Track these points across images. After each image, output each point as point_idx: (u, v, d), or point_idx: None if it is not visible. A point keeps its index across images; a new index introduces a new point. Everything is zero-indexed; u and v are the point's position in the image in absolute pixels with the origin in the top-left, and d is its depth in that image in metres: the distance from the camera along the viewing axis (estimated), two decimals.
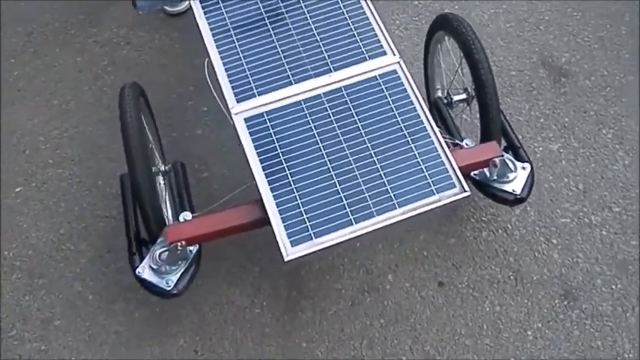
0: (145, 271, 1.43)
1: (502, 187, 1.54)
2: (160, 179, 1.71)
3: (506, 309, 1.66)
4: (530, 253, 1.76)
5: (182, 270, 1.42)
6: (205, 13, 1.64)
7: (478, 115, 1.62)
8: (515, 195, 1.54)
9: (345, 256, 1.77)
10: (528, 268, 1.73)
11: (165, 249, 1.42)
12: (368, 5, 1.63)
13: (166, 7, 2.36)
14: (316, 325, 1.65)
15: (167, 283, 1.41)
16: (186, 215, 1.47)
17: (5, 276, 1.76)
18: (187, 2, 2.33)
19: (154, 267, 1.42)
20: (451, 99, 1.77)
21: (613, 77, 2.17)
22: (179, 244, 1.39)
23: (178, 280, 1.41)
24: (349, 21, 1.61)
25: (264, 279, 1.73)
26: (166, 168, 1.71)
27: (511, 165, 1.56)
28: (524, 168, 1.57)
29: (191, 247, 1.45)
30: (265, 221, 1.39)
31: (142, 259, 1.45)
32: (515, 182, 1.55)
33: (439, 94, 1.91)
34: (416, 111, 1.49)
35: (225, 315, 1.66)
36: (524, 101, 2.11)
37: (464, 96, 1.74)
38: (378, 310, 1.67)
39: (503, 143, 1.65)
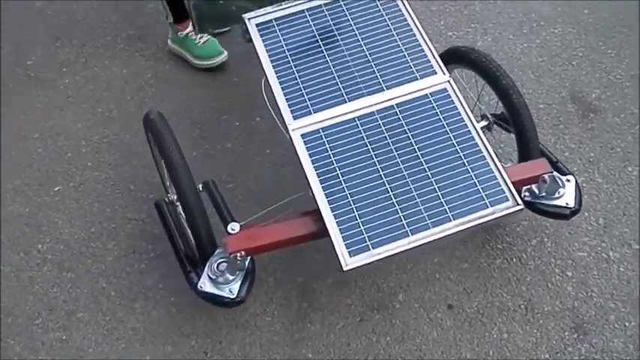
0: (205, 284, 1.46)
1: (555, 203, 1.58)
2: None
3: (514, 337, 1.66)
4: (543, 284, 1.76)
5: (240, 280, 1.47)
6: (262, 36, 1.70)
7: (514, 139, 1.67)
8: (570, 208, 1.57)
9: (358, 274, 1.81)
10: (540, 298, 1.73)
11: (223, 260, 1.47)
12: (417, 26, 1.69)
13: (198, 62, 2.39)
14: (324, 337, 1.68)
15: (231, 292, 1.45)
16: (234, 226, 1.50)
17: (37, 267, 1.86)
18: (223, 55, 2.36)
19: (214, 278, 1.46)
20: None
21: None
22: (239, 254, 1.43)
23: (240, 287, 1.46)
24: (399, 42, 1.67)
25: (278, 289, 1.78)
26: (199, 187, 1.72)
27: (559, 181, 1.59)
28: (569, 180, 1.61)
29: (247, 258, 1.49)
30: (323, 233, 1.42)
31: (198, 276, 1.49)
32: (567, 196, 1.58)
33: None
34: (467, 127, 1.54)
35: (237, 320, 1.72)
36: (551, 134, 2.12)
37: (484, 123, 1.77)
38: (386, 328, 1.69)
39: None
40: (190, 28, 2.36)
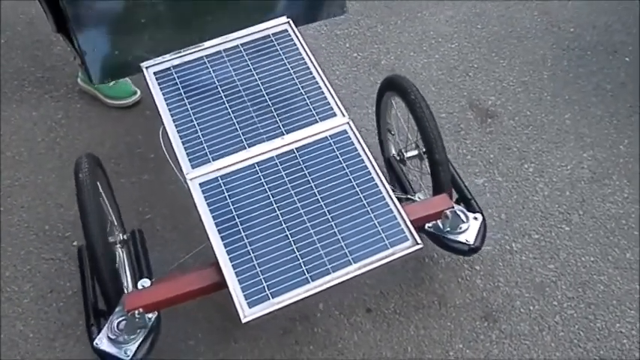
0: (102, 342, 1.42)
1: (456, 238, 1.61)
2: (120, 249, 1.74)
3: (430, 332, 1.77)
4: (454, 279, 1.88)
5: (141, 339, 1.42)
6: (160, 84, 1.71)
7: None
8: (469, 245, 1.60)
9: None
10: (452, 293, 1.85)
11: (123, 318, 1.43)
12: (316, 68, 1.73)
13: (106, 100, 2.43)
14: (248, 352, 1.74)
15: (126, 353, 1.40)
16: (145, 282, 1.50)
17: None
18: (136, 96, 2.42)
19: (112, 337, 1.42)
20: (404, 156, 1.87)
21: (535, 117, 2.36)
22: (137, 311, 1.41)
23: (137, 349, 1.41)
24: (299, 85, 1.70)
25: (200, 311, 1.82)
26: (125, 237, 1.75)
27: (462, 216, 1.62)
28: (475, 218, 1.64)
29: (149, 315, 1.46)
30: (222, 284, 1.43)
31: (99, 330, 1.46)
32: (468, 232, 1.61)
33: (392, 151, 2.02)
34: (367, 168, 1.57)
35: (161, 347, 1.73)
36: (453, 140, 2.29)
37: (416, 152, 1.83)
38: (308, 337, 1.76)
39: (455, 196, 1.73)
40: None
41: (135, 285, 1.53)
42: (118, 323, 1.43)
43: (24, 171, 2.25)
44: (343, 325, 1.79)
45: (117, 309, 1.45)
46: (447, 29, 2.76)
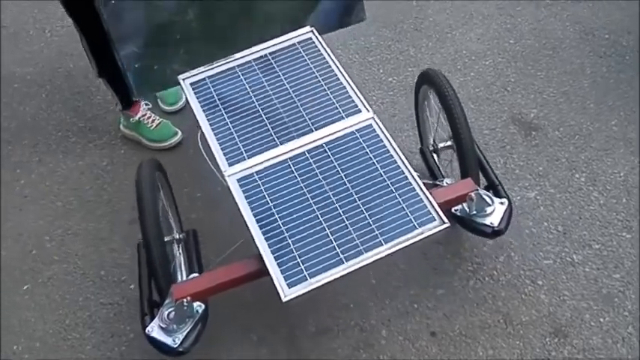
0: (154, 329, 1.55)
1: (481, 221, 1.68)
2: (176, 247, 1.90)
3: (499, 352, 1.74)
4: (517, 296, 1.86)
5: (189, 328, 1.54)
6: (196, 94, 1.87)
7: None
8: (493, 227, 1.67)
9: (340, 317, 1.88)
10: (517, 310, 1.82)
11: (172, 308, 1.55)
12: (339, 70, 1.85)
13: (162, 105, 2.62)
14: None
15: (174, 341, 1.52)
16: (194, 276, 1.64)
17: None
18: (183, 100, 2.56)
19: (163, 326, 1.54)
20: (437, 146, 2.02)
21: (580, 126, 2.35)
22: (184, 300, 1.53)
23: (185, 337, 1.53)
24: (324, 86, 1.84)
25: (262, 346, 1.83)
26: (181, 236, 1.89)
27: (488, 199, 1.69)
28: (502, 203, 1.71)
29: (198, 307, 1.59)
30: (262, 272, 1.55)
31: (152, 320, 1.58)
32: (493, 216, 1.68)
33: (430, 140, 2.13)
34: (392, 158, 1.68)
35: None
36: (499, 156, 2.28)
37: (448, 143, 1.94)
38: None
39: (484, 183, 1.81)
40: (141, 112, 2.48)
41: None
42: (169, 313, 1.55)
43: (75, 219, 2.30)
44: (409, 351, 1.77)
45: (167, 300, 1.57)
46: (479, 47, 2.78)
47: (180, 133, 2.50)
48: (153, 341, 1.54)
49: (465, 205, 1.69)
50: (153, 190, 1.70)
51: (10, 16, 3.22)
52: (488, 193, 1.72)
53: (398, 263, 1.99)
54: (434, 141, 2.05)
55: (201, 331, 1.57)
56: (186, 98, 1.89)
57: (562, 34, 2.77)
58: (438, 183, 1.82)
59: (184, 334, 1.53)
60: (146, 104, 2.51)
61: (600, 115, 2.37)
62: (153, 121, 2.49)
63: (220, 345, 1.85)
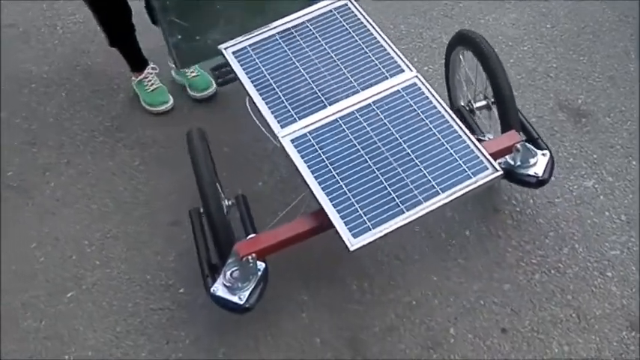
0: (218, 289, 1.59)
1: (525, 172, 1.75)
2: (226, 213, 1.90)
3: (575, 348, 1.70)
4: (587, 289, 1.82)
5: (252, 286, 1.59)
6: (240, 62, 1.94)
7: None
8: (537, 177, 1.74)
9: (404, 316, 1.83)
10: (588, 304, 1.78)
11: (236, 267, 1.59)
12: (378, 32, 1.92)
13: (192, 92, 2.62)
14: None
15: (240, 299, 1.57)
16: (253, 236, 1.69)
17: None
18: (213, 88, 2.58)
19: (227, 285, 1.58)
20: (473, 106, 2.04)
21: (631, 112, 2.31)
22: (249, 257, 1.58)
23: (250, 295, 1.58)
24: (365, 48, 1.91)
25: (327, 349, 1.78)
26: (229, 203, 1.91)
27: (532, 150, 1.76)
28: (544, 154, 1.79)
29: (259, 265, 1.63)
30: (324, 226, 1.62)
31: (214, 280, 1.62)
32: (537, 166, 1.76)
33: (461, 102, 2.16)
34: (440, 113, 1.75)
35: None
36: (550, 143, 2.24)
37: (484, 103, 1.98)
38: None
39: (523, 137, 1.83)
40: (143, 75, 2.59)
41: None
42: (232, 272, 1.60)
43: (113, 222, 2.24)
44: (480, 349, 1.73)
45: (230, 259, 1.61)
46: (515, 32, 2.73)
47: (171, 101, 2.59)
48: (218, 300, 1.59)
49: (508, 157, 1.76)
50: (207, 155, 1.76)
51: (18, 13, 3.13)
52: (531, 146, 1.77)
53: (458, 259, 1.95)
54: (469, 102, 2.07)
55: (263, 289, 1.62)
56: (230, 67, 1.94)
57: (600, 17, 2.72)
58: (480, 138, 1.84)
59: (249, 291, 1.58)
60: (152, 68, 2.61)
61: None
62: (152, 84, 2.59)
63: (284, 350, 1.80)
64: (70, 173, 2.45)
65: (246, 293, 1.58)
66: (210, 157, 1.97)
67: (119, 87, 2.74)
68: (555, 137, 2.26)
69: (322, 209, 1.60)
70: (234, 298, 1.58)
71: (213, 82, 2.58)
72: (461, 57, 2.07)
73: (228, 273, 1.60)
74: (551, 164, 1.78)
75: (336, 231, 1.56)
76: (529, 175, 1.75)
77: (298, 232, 1.64)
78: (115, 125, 2.62)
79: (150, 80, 2.59)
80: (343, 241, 1.54)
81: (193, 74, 2.62)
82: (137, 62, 2.58)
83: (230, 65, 1.94)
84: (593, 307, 1.77)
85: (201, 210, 1.93)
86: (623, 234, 1.93)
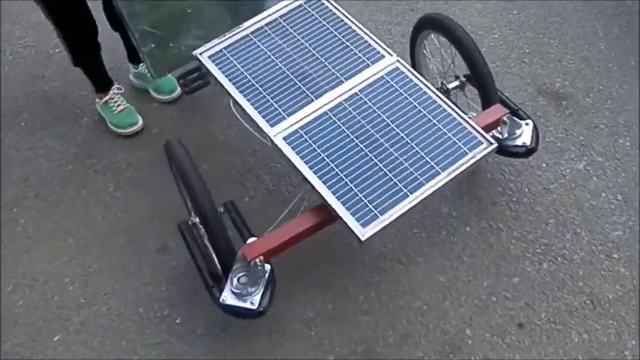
0: (227, 297, 1.54)
1: (514, 143, 1.79)
2: None
3: (595, 334, 1.67)
4: (596, 274, 1.79)
5: (262, 289, 1.55)
6: (217, 65, 1.90)
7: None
8: (526, 146, 1.79)
9: (416, 322, 1.77)
10: (600, 288, 1.76)
11: (242, 273, 1.55)
12: (354, 22, 1.92)
13: (158, 96, 2.55)
14: None
15: (252, 303, 1.52)
16: (252, 239, 1.63)
17: None
18: (179, 90, 2.50)
19: (236, 291, 1.54)
20: (447, 88, 2.02)
21: (610, 90, 2.31)
22: (257, 260, 1.53)
23: (261, 298, 1.54)
24: (343, 39, 1.90)
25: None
26: (220, 209, 1.83)
27: (517, 123, 1.79)
28: (527, 124, 1.82)
29: (266, 267, 1.59)
30: (330, 219, 1.60)
31: (220, 290, 1.56)
32: (524, 136, 1.80)
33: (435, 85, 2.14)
34: (427, 94, 1.75)
35: None
36: None
37: (457, 83, 1.99)
38: None
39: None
40: (109, 96, 2.45)
41: (245, 243, 1.63)
42: (239, 278, 1.55)
43: (94, 255, 2.10)
44: (500, 348, 1.68)
45: (235, 265, 1.57)
46: (482, 20, 2.71)
47: (140, 122, 2.46)
48: (229, 309, 1.54)
49: (495, 131, 1.79)
50: (192, 161, 1.68)
51: None
52: (514, 118, 1.80)
53: (462, 256, 1.90)
54: (442, 84, 2.05)
55: (273, 290, 1.58)
56: (209, 72, 1.89)
57: None
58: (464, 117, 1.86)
59: (259, 294, 1.54)
60: (118, 89, 2.49)
61: (626, 76, 2.34)
62: (118, 105, 2.45)
63: None
64: (40, 207, 2.29)
65: (258, 297, 1.54)
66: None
67: (82, 111, 2.59)
68: (540, 123, 2.24)
69: (325, 203, 1.59)
70: (246, 304, 1.53)
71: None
72: (425, 41, 2.10)
73: (235, 279, 1.55)
74: (536, 133, 1.82)
75: (344, 222, 1.54)
76: (518, 146, 1.78)
77: (303, 228, 1.61)
78: (82, 152, 2.47)
79: (116, 101, 2.45)
80: (353, 233, 1.52)
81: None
82: (102, 82, 2.44)
83: (207, 70, 1.90)
84: (605, 292, 1.75)
85: (191, 222, 1.88)
86: (622, 214, 1.91)
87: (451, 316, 1.76)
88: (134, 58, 2.56)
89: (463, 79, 1.98)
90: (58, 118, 2.60)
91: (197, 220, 1.84)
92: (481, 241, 1.92)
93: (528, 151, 1.80)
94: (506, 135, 1.79)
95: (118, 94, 2.47)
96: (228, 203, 1.83)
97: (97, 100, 2.49)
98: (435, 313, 1.77)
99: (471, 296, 1.79)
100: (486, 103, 1.84)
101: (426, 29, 2.03)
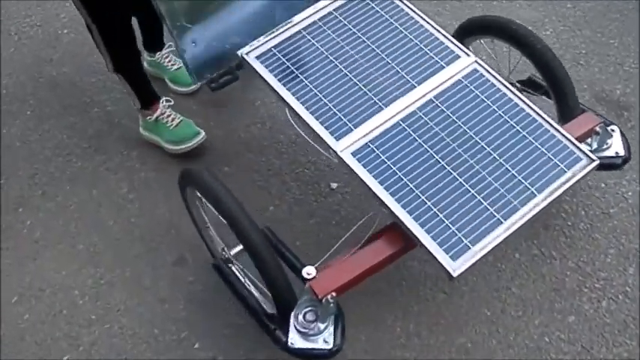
0: (296, 339, 1.39)
1: (606, 154, 1.63)
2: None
3: None
4: None
5: (332, 324, 1.40)
6: (267, 67, 1.69)
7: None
8: (621, 156, 1.64)
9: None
10: None
11: (309, 309, 1.40)
12: (424, 19, 1.72)
13: (176, 87, 2.40)
14: None
15: (326, 342, 1.38)
16: (310, 269, 1.42)
17: None
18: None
19: (304, 331, 1.38)
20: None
21: None
22: (329, 296, 1.36)
23: (334, 335, 1.39)
24: (412, 37, 1.69)
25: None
26: None
27: (608, 131, 1.65)
28: (613, 130, 1.67)
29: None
30: (411, 244, 1.44)
31: (283, 332, 1.42)
32: (615, 145, 1.64)
33: None
34: (512, 100, 1.56)
35: None
36: None
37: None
38: None
39: None
40: (160, 111, 2.20)
41: (299, 276, 1.45)
42: (304, 315, 1.40)
43: (105, 265, 1.99)
44: None
45: (301, 301, 1.41)
46: (533, 14, 2.54)
47: (203, 133, 2.21)
48: (299, 353, 1.39)
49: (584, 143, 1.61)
50: (228, 190, 1.49)
51: None
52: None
53: (511, 287, 1.77)
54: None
55: (344, 325, 1.42)
56: (217, 88, 1.76)
57: None
58: None
59: (331, 331, 1.39)
60: (167, 101, 2.25)
61: None
62: (173, 119, 2.20)
63: None
64: (48, 207, 2.18)
65: (330, 334, 1.39)
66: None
67: (92, 100, 2.47)
68: None
69: (406, 231, 1.42)
70: (319, 344, 1.38)
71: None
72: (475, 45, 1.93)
73: (300, 316, 1.39)
74: (624, 138, 1.67)
75: (430, 254, 1.37)
76: (612, 157, 1.63)
77: (385, 255, 1.43)
78: (93, 147, 2.35)
79: (169, 115, 2.20)
80: (443, 267, 1.35)
81: (175, 66, 2.36)
82: (147, 94, 2.18)
83: (256, 72, 1.69)
84: None
85: (224, 257, 1.74)
86: None
87: (499, 356, 1.64)
88: (151, 44, 2.41)
89: (518, 86, 1.84)
90: (67, 108, 2.47)
91: (232, 253, 1.69)
92: (532, 271, 1.79)
93: (624, 161, 1.65)
94: (595, 146, 1.63)
95: (169, 106, 2.23)
96: (266, 229, 1.66)
97: (144, 119, 2.23)
98: (480, 351, 1.65)
99: (520, 335, 1.67)
100: (568, 113, 1.68)
101: (481, 34, 1.87)
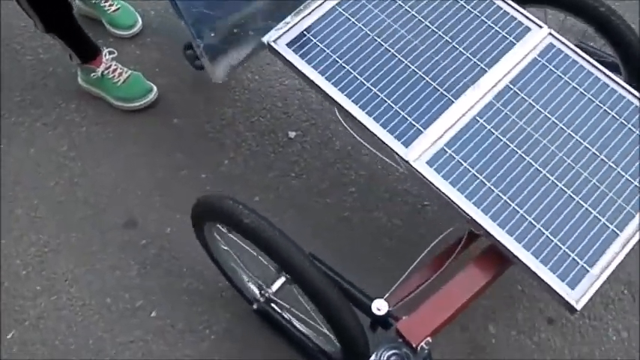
0: None
1: None
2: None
3: (635, 332, 1.55)
4: (636, 259, 1.66)
5: None
6: (303, 57, 1.44)
7: None
8: None
9: None
10: (638, 274, 1.64)
11: (390, 351, 1.22)
12: None
13: (115, 30, 2.26)
14: None
15: None
16: (380, 304, 1.27)
17: None
18: (140, 24, 2.24)
19: None
20: None
21: None
22: (424, 342, 1.21)
23: None
24: (474, 12, 1.48)
25: None
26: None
27: None
28: None
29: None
30: (504, 267, 1.29)
31: None
32: None
33: None
34: (600, 80, 1.39)
35: None
36: None
37: None
38: None
39: None
40: (104, 65, 2.06)
41: (366, 312, 1.30)
42: (388, 358, 1.22)
43: (49, 230, 1.90)
44: (528, 347, 1.58)
45: (388, 344, 1.23)
46: None
47: (155, 89, 2.10)
48: None
49: None
50: (269, 221, 1.28)
51: None
52: None
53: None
54: None
55: None
56: (202, 67, 1.58)
57: None
58: None
59: None
60: (110, 52, 2.10)
61: None
62: (120, 74, 2.08)
63: None
64: None
65: None
66: None
67: (23, 47, 2.31)
68: None
69: (508, 255, 1.25)
70: None
71: (139, 17, 2.24)
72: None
73: None
74: None
75: (545, 283, 1.20)
76: None
77: (477, 287, 1.27)
78: (27, 100, 2.21)
79: (116, 69, 2.06)
80: (561, 298, 1.18)
81: (113, 7, 2.22)
82: (86, 48, 2.03)
83: (290, 65, 1.44)
84: None
85: (264, 297, 1.48)
86: None
87: (472, 309, 1.62)
88: None
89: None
90: None
91: (266, 293, 1.45)
92: None
93: None
94: None
95: (113, 58, 2.08)
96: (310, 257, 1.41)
97: (84, 75, 2.09)
98: None
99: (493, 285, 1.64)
100: None
101: (539, 2, 1.61)
